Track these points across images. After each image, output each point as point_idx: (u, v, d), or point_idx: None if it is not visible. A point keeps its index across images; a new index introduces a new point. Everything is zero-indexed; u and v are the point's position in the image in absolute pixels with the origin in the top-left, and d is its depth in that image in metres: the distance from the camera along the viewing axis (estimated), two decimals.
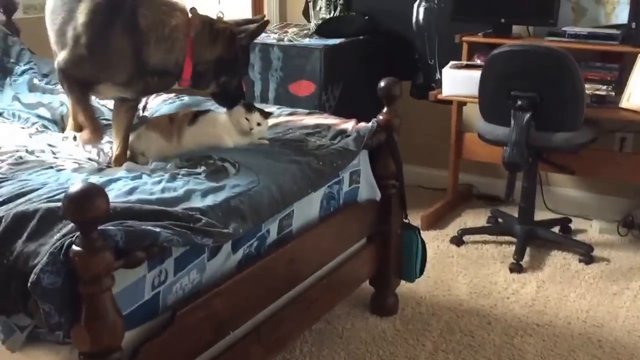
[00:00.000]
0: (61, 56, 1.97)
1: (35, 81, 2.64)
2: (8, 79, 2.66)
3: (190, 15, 1.98)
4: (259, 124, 2.03)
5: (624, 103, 2.77)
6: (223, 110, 2.13)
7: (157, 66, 1.93)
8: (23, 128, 2.27)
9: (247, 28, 2.00)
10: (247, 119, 2.01)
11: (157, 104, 2.55)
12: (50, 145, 2.10)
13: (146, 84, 1.97)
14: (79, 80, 1.97)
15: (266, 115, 2.07)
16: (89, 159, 2.06)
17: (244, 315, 1.73)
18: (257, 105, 2.14)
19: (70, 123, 2.36)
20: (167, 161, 1.88)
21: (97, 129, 2.04)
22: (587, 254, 2.87)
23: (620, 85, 2.90)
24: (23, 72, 2.69)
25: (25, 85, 2.62)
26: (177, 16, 1.96)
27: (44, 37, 2.33)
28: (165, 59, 1.93)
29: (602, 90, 2.90)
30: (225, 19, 2.12)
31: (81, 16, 1.92)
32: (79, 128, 2.12)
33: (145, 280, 1.46)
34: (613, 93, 2.88)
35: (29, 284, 1.30)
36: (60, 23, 2.00)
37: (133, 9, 1.91)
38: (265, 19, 2.12)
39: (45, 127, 2.34)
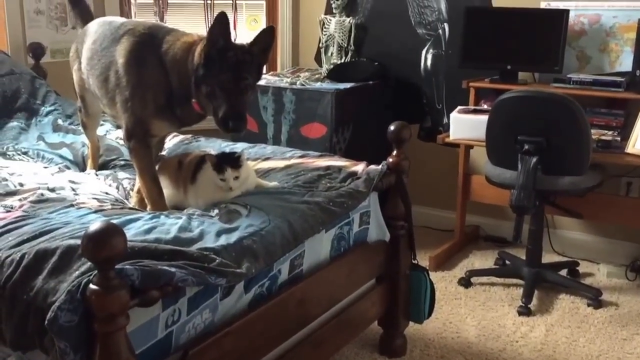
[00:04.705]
0: (123, 125, 2.03)
1: (60, 121, 2.74)
2: (34, 119, 2.76)
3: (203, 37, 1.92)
4: (236, 178, 1.95)
5: (630, 148, 2.81)
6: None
7: (178, 91, 1.94)
8: (46, 167, 2.34)
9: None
10: (222, 180, 1.94)
11: (173, 144, 2.62)
12: (71, 181, 2.15)
13: (176, 115, 1.99)
14: (139, 132, 1.99)
15: (236, 165, 1.94)
16: (107, 192, 2.11)
17: (254, 355, 1.74)
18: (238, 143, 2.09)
19: (89, 164, 2.44)
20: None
21: (160, 201, 2.01)
22: (595, 298, 2.86)
23: (625, 130, 2.95)
24: (48, 113, 2.79)
25: (50, 126, 2.71)
26: (188, 36, 1.96)
27: (69, 79, 2.44)
28: (179, 81, 1.93)
29: (608, 135, 2.94)
30: None
31: (120, 58, 2.00)
32: (141, 204, 2.06)
33: (159, 319, 1.48)
34: (619, 138, 2.93)
35: (46, 321, 1.33)
36: (101, 68, 2.08)
37: (162, 40, 1.98)
38: (264, 30, 1.93)
39: (67, 167, 2.41)
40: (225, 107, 1.84)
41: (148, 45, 1.99)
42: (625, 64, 3.10)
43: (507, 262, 3.21)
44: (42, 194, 1.94)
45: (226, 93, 1.85)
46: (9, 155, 2.45)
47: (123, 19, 2.25)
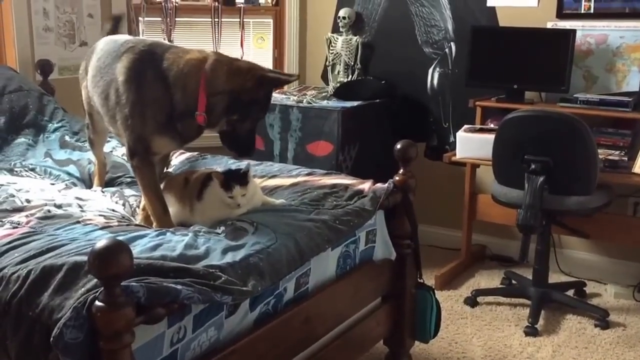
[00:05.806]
0: (125, 143, 2.05)
1: (67, 138, 2.75)
2: (41, 135, 2.78)
3: (209, 54, 1.99)
4: (243, 195, 1.95)
5: (637, 168, 2.80)
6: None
7: (180, 106, 1.95)
8: (53, 184, 2.35)
9: (272, 70, 2.04)
10: (230, 197, 1.94)
11: (180, 162, 2.63)
12: (77, 198, 2.16)
13: (177, 130, 2.00)
14: (141, 150, 2.00)
15: (243, 182, 1.96)
16: (113, 209, 2.11)
17: None
18: (240, 163, 2.15)
19: (95, 181, 2.44)
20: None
21: (165, 218, 2.02)
22: (602, 319, 2.84)
23: (632, 150, 2.94)
24: (55, 130, 2.80)
25: (57, 142, 2.73)
26: (192, 53, 1.99)
27: (77, 96, 2.46)
28: (184, 96, 1.94)
29: (615, 155, 2.94)
30: None
31: (120, 75, 2.01)
32: (147, 221, 2.07)
33: (164, 337, 1.48)
34: (626, 158, 2.92)
35: (51, 338, 1.32)
36: (103, 86, 2.09)
37: (162, 57, 1.99)
38: (296, 75, 2.22)
39: (74, 184, 2.42)
40: (249, 138, 2.04)
41: (147, 62, 1.99)
42: (632, 84, 3.11)
43: (514, 281, 3.19)
44: (48, 211, 1.95)
45: (253, 126, 2.01)
46: (16, 171, 2.47)
47: (127, 37, 2.26)
